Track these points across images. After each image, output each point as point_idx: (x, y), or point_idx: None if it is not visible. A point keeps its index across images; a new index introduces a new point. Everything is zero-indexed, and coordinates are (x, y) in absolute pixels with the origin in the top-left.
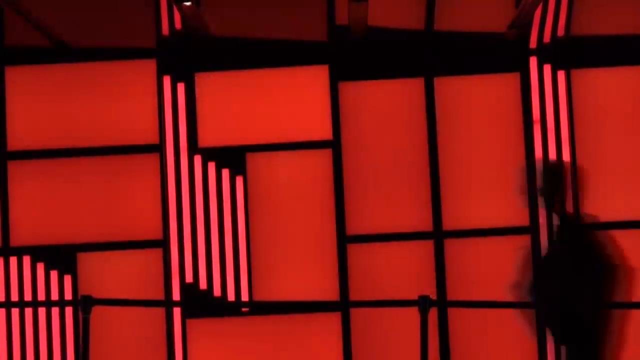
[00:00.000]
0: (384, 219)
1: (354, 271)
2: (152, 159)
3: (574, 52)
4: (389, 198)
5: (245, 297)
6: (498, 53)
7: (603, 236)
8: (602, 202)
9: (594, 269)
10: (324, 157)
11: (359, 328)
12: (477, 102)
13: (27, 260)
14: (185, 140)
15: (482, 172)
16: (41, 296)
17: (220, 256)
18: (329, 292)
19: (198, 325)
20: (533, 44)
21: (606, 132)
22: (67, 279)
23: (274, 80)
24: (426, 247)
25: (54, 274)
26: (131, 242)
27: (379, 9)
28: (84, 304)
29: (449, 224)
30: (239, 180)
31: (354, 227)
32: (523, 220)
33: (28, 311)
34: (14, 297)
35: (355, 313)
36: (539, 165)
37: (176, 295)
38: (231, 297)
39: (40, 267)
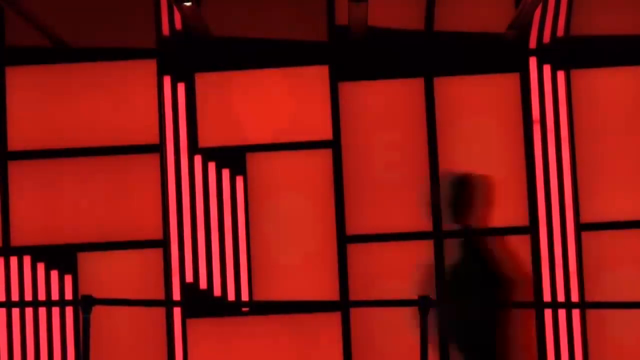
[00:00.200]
0: (383, 219)
1: (354, 271)
2: (153, 159)
3: (574, 52)
4: (389, 198)
5: (245, 297)
6: (498, 53)
7: (500, 249)
8: (602, 202)
9: (491, 282)
10: (324, 157)
11: (359, 328)
12: (477, 102)
13: (27, 260)
14: (186, 140)
15: (482, 172)
16: (41, 296)
17: (220, 256)
18: (329, 292)
19: (198, 325)
20: (533, 44)
21: (606, 132)
22: (68, 279)
23: (274, 80)
24: (426, 247)
25: (54, 274)
26: (131, 242)
27: (379, 9)
28: (84, 304)
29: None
30: (239, 180)
31: (354, 227)
32: (523, 220)
33: (28, 311)
34: (15, 296)
35: (355, 313)
36: (445, 177)
37: (176, 295)
38: (231, 297)
39: (41, 267)
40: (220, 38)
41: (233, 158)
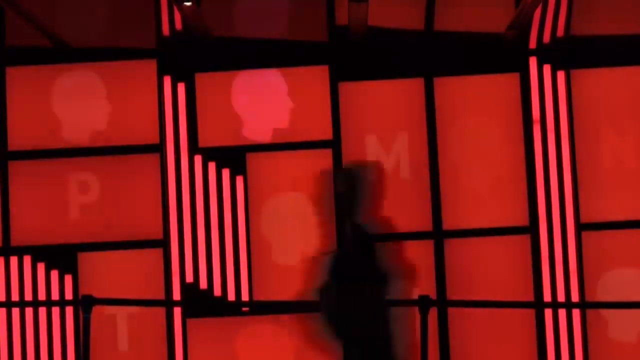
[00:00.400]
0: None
1: None
2: (153, 159)
3: (574, 52)
4: (389, 198)
5: (245, 297)
6: (498, 53)
7: (388, 245)
8: (602, 202)
9: (377, 277)
10: (324, 157)
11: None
12: (477, 102)
13: (27, 260)
14: (186, 140)
15: (482, 172)
16: (42, 296)
17: (220, 256)
18: None
19: (198, 325)
20: (533, 44)
21: (606, 132)
22: (68, 279)
23: (274, 80)
24: (426, 247)
25: (54, 274)
26: (132, 242)
27: (379, 9)
28: (84, 304)
29: (449, 224)
30: (239, 180)
31: None
32: (523, 220)
33: (29, 311)
34: (15, 296)
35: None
36: (340, 172)
37: (176, 295)
38: (231, 296)
39: (41, 267)
40: (220, 38)
41: (233, 158)
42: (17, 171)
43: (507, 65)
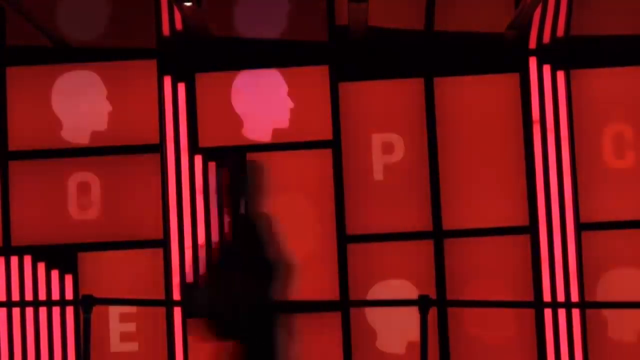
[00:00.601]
0: (384, 218)
1: (353, 271)
2: (153, 159)
3: (574, 53)
4: (389, 198)
5: None
6: (498, 53)
7: (272, 235)
8: (601, 202)
9: (264, 269)
10: (324, 157)
11: (359, 328)
12: (477, 103)
13: (28, 259)
14: (186, 140)
15: (482, 172)
16: (42, 296)
17: None
18: (329, 292)
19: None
20: (532, 44)
21: (605, 132)
22: (68, 279)
23: (274, 80)
24: (426, 247)
25: (54, 274)
26: (132, 242)
27: (379, 9)
28: (84, 304)
29: (449, 224)
30: None
31: (354, 227)
32: (523, 220)
33: (29, 310)
34: (15, 296)
35: (355, 313)
36: (230, 165)
37: (177, 295)
38: None
39: (41, 267)
40: (220, 38)
41: (233, 158)
42: (18, 171)
43: (507, 66)
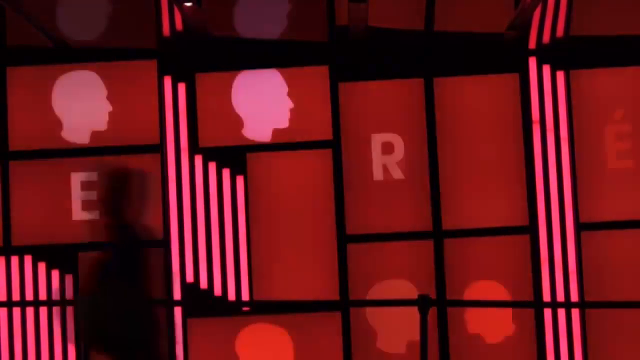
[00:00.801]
0: (384, 218)
1: (354, 271)
2: (153, 159)
3: (573, 53)
4: (389, 198)
5: (245, 296)
6: (497, 53)
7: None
8: (601, 202)
9: (132, 281)
10: (324, 157)
11: (359, 328)
12: (477, 103)
13: (28, 259)
14: (186, 140)
15: (481, 172)
16: (42, 295)
17: (220, 256)
18: (329, 291)
19: (199, 325)
20: (532, 44)
21: (605, 132)
22: (69, 278)
23: (274, 80)
24: (426, 247)
25: (55, 274)
26: None
27: (379, 9)
28: None
29: (448, 223)
30: (240, 180)
31: (354, 227)
32: (523, 220)
33: (30, 310)
34: (16, 296)
35: (355, 313)
36: (102, 171)
37: (177, 295)
38: (232, 296)
39: (42, 267)
40: (220, 38)
41: (233, 158)
42: (18, 171)
43: (507, 66)
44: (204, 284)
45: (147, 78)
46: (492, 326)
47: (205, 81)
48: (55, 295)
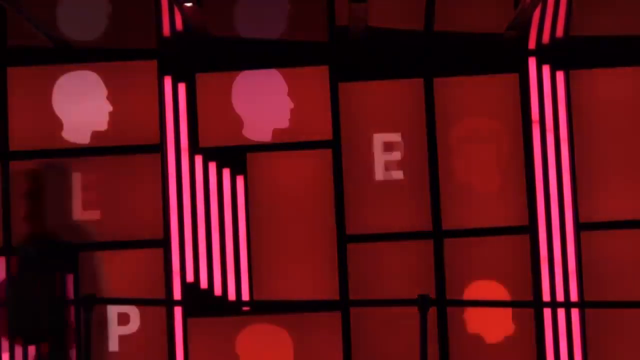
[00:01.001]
0: (384, 218)
1: (354, 271)
2: (153, 159)
3: (573, 53)
4: (389, 198)
5: (245, 296)
6: (497, 54)
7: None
8: (601, 202)
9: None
10: (324, 157)
11: (359, 328)
12: (477, 103)
13: None
14: (186, 140)
15: (481, 172)
16: None
17: (221, 255)
18: (329, 291)
19: (199, 325)
20: (532, 44)
21: (605, 132)
22: (69, 278)
23: (274, 80)
24: (426, 247)
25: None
26: (132, 242)
27: (379, 9)
28: (85, 303)
29: (448, 223)
30: (240, 180)
31: (354, 227)
32: (522, 220)
33: None
34: None
35: (355, 313)
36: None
37: (177, 295)
38: (232, 296)
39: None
40: (220, 38)
41: (233, 158)
42: (18, 171)
43: (507, 66)
44: (204, 283)
45: (147, 78)
46: (492, 326)
47: (206, 81)
48: None
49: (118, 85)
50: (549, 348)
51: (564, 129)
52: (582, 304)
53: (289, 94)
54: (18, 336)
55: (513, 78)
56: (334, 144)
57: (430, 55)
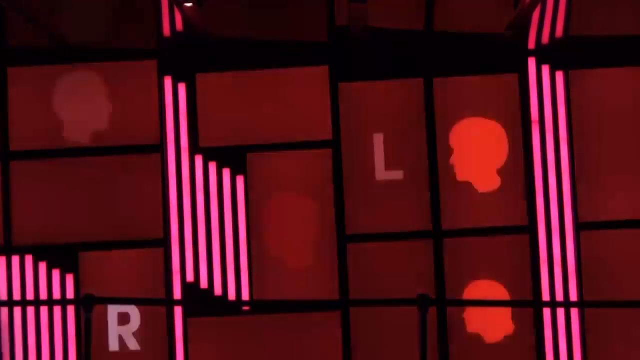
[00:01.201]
0: (384, 218)
1: (354, 271)
2: (154, 159)
3: (573, 53)
4: (389, 198)
5: (245, 296)
6: (497, 54)
7: None
8: (600, 202)
9: None
10: (324, 157)
11: (359, 328)
12: (476, 103)
13: (29, 259)
14: (187, 140)
15: (480, 172)
16: (43, 295)
17: (221, 255)
18: (329, 291)
19: (199, 325)
20: (531, 44)
21: (604, 133)
22: (69, 278)
23: (275, 81)
24: (426, 247)
25: (56, 273)
26: (133, 242)
27: (379, 9)
28: (86, 303)
29: (448, 223)
30: (240, 180)
31: (354, 227)
32: (522, 220)
33: (30, 310)
34: (17, 296)
35: (355, 313)
36: None
37: (177, 294)
38: (232, 296)
39: (43, 266)
40: (220, 38)
41: (233, 158)
42: (19, 171)
43: (506, 66)
44: (204, 283)
45: (147, 78)
46: (492, 326)
47: (206, 81)
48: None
49: (118, 85)
50: (549, 348)
51: (563, 129)
52: (581, 304)
53: (289, 94)
54: None
55: (513, 78)
56: (334, 144)
57: (430, 55)
